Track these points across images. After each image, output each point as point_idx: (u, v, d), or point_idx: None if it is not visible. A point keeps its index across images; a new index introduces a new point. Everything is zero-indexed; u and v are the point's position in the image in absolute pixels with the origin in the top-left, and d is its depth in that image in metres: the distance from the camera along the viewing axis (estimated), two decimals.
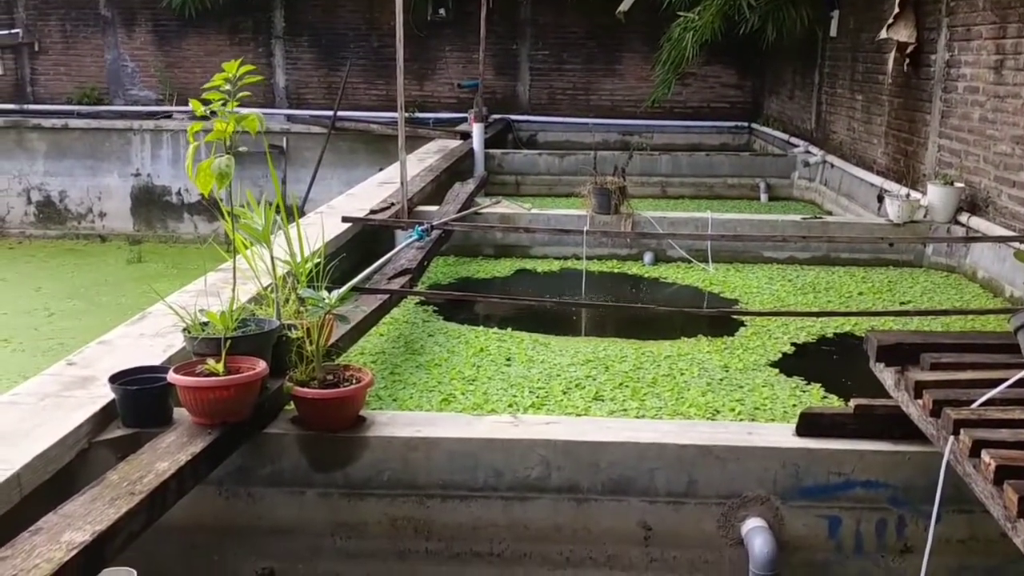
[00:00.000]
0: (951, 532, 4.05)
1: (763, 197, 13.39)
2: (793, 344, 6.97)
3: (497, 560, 4.20)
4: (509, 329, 7.28)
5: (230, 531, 4.18)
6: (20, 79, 17.32)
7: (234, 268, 4.29)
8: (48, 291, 12.38)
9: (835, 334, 7.22)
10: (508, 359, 6.62)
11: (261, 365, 3.90)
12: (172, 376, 3.81)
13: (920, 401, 3.68)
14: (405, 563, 4.21)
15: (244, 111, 4.12)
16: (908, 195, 9.30)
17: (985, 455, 3.07)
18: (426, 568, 4.21)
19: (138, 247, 15.05)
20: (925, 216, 8.97)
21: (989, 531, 4.04)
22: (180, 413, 4.00)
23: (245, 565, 4.22)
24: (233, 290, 4.11)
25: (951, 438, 3.36)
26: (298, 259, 4.56)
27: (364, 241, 8.40)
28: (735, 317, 7.59)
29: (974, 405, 3.43)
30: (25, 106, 16.91)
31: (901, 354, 4.01)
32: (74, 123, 16.14)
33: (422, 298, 7.89)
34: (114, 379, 4.04)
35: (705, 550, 4.14)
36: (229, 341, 3.86)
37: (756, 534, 4.01)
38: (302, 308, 4.46)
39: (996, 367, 3.78)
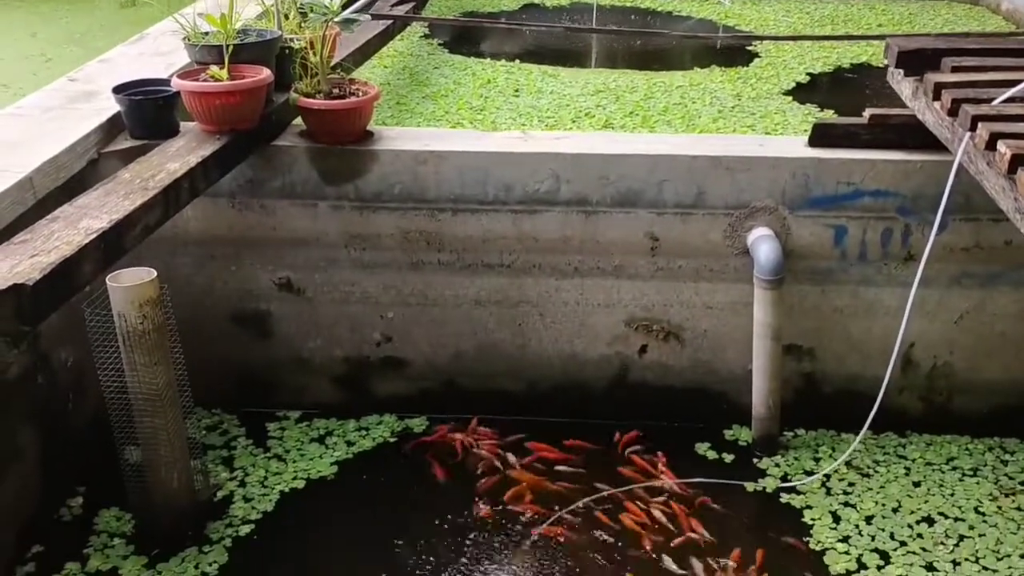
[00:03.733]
0: (955, 240, 4.09)
1: None
2: (808, 74, 6.82)
3: (507, 271, 4.29)
4: (517, 62, 7.12)
5: (246, 242, 4.25)
6: None
7: None
8: (44, 37, 12.04)
9: (851, 64, 7.05)
10: (516, 90, 6.51)
11: (265, 72, 3.82)
12: (177, 82, 3.74)
13: (938, 103, 3.61)
14: (418, 274, 4.31)
15: None
16: None
17: (1001, 146, 3.03)
18: (438, 278, 4.32)
19: None
20: None
21: (993, 238, 4.10)
22: (187, 126, 3.97)
23: (262, 275, 4.33)
24: None
25: (967, 135, 3.32)
26: None
27: None
28: (749, 48, 7.39)
29: (994, 102, 3.36)
30: None
31: (922, 60, 3.89)
32: None
33: (426, 31, 7.66)
34: (118, 90, 3.98)
35: (710, 259, 4.21)
36: (231, 47, 3.76)
37: (762, 242, 4.06)
38: (304, 23, 4.33)
39: (1019, 69, 3.67)
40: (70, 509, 3.88)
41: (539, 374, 4.48)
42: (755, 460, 4.21)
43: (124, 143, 3.98)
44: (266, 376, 4.51)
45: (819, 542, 3.73)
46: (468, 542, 3.76)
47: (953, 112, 3.47)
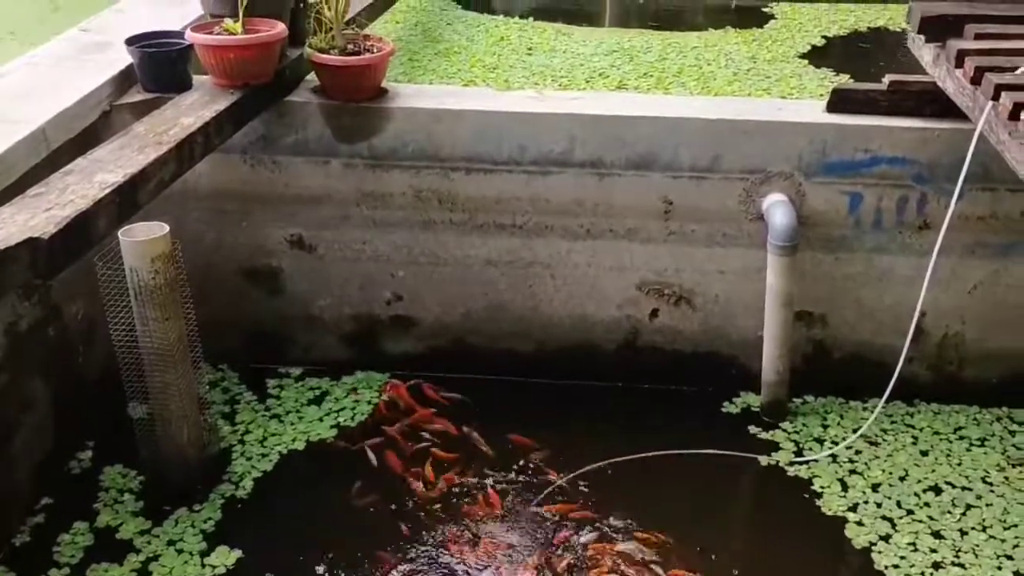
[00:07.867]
0: (972, 209, 4.06)
1: None
2: (824, 37, 6.75)
3: (519, 232, 4.27)
4: (530, 19, 7.05)
5: (257, 199, 4.23)
6: None
7: None
8: None
9: (868, 28, 6.97)
10: (529, 49, 6.45)
11: (280, 26, 3.79)
12: (191, 35, 3.70)
13: (960, 71, 3.56)
14: (430, 233, 4.29)
15: None
16: None
17: None
18: (450, 238, 4.30)
19: None
20: None
21: (1010, 209, 4.08)
22: (199, 80, 3.93)
23: (273, 232, 4.31)
24: None
25: (989, 104, 3.28)
26: None
27: None
28: (764, 9, 7.31)
29: (1019, 71, 3.31)
30: None
31: (944, 26, 3.82)
32: None
33: None
34: (131, 42, 3.93)
35: (724, 224, 4.18)
36: (246, 0, 3.71)
37: (777, 208, 4.03)
38: None
39: None
40: (79, 462, 3.90)
41: (548, 335, 4.47)
42: (763, 427, 4.21)
43: (136, 96, 3.95)
44: (276, 333, 4.51)
45: (830, 509, 3.74)
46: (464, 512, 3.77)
47: (976, 80, 3.42)
